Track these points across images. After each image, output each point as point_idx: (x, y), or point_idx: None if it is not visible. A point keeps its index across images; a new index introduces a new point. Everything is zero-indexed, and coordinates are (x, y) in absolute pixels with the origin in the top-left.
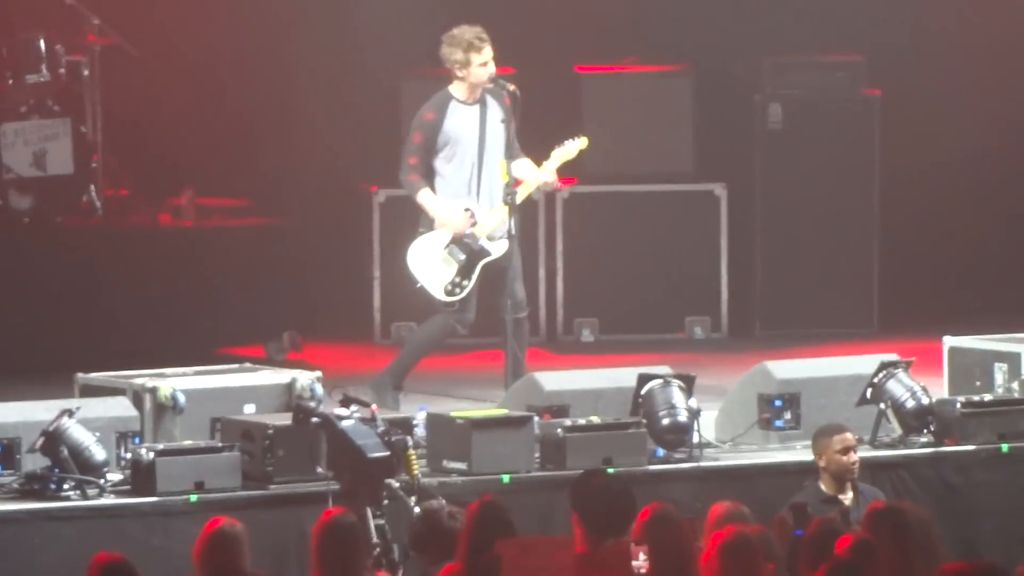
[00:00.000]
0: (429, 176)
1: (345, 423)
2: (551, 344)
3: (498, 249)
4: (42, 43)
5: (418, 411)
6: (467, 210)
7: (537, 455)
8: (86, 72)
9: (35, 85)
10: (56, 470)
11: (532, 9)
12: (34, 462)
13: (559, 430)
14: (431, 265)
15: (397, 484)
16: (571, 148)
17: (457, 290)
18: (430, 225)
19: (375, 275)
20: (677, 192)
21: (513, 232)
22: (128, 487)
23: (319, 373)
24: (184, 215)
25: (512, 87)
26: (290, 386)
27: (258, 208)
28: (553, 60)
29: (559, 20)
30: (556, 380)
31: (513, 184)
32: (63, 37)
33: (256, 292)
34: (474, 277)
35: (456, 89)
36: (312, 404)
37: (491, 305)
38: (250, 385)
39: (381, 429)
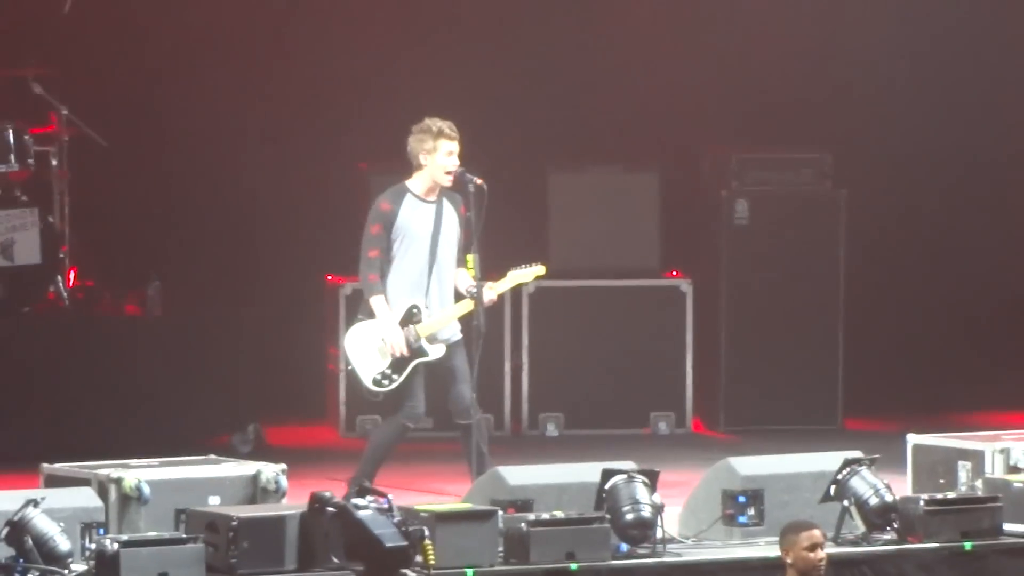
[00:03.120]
0: (387, 266)
1: (363, 513)
2: (516, 439)
3: (435, 352)
4: (10, 133)
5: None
6: (414, 307)
7: (501, 549)
8: (54, 162)
9: (3, 174)
10: (20, 560)
11: (500, 108)
12: None
13: (523, 524)
14: (366, 352)
15: (413, 574)
16: (527, 273)
17: (386, 382)
18: (370, 314)
19: (341, 368)
20: (643, 287)
21: (460, 336)
22: None
23: (284, 466)
24: (151, 306)
25: (479, 181)
26: (255, 478)
27: (225, 299)
28: (519, 157)
29: (526, 119)
30: (520, 475)
31: (478, 282)
32: (31, 127)
33: (221, 384)
34: (405, 373)
35: (414, 183)
36: (328, 494)
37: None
38: (215, 476)
39: (398, 519)
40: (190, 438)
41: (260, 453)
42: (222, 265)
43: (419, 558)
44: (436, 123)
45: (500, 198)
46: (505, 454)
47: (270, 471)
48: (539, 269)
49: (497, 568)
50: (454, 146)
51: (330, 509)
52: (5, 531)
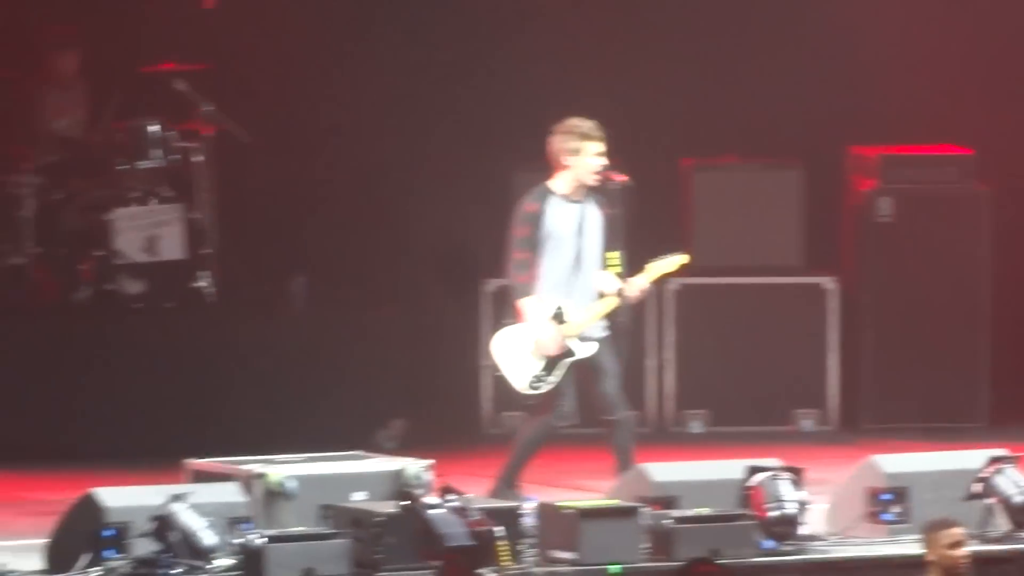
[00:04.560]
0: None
1: (433, 511)
2: (660, 435)
3: (585, 350)
4: (155, 129)
5: (527, 501)
6: (560, 307)
7: (645, 546)
8: (199, 158)
9: (148, 171)
10: (167, 555)
11: (643, 104)
12: (145, 547)
13: (668, 520)
14: (516, 356)
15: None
16: (668, 263)
17: (540, 385)
18: (516, 317)
19: (485, 365)
20: (786, 285)
21: (608, 331)
22: (238, 573)
23: (430, 461)
24: (296, 301)
25: (625, 178)
26: (399, 474)
27: (370, 294)
28: (662, 154)
29: (668, 115)
30: (665, 471)
31: (622, 279)
32: (177, 123)
33: (366, 379)
34: (557, 373)
35: (558, 184)
36: (417, 491)
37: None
38: (360, 472)
39: (472, 519)
40: (335, 434)
41: (405, 449)
42: (366, 260)
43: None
44: (582, 124)
45: (643, 196)
46: (649, 451)
47: (414, 467)
48: (680, 258)
49: (641, 565)
50: (601, 146)
51: (404, 505)
52: (152, 526)
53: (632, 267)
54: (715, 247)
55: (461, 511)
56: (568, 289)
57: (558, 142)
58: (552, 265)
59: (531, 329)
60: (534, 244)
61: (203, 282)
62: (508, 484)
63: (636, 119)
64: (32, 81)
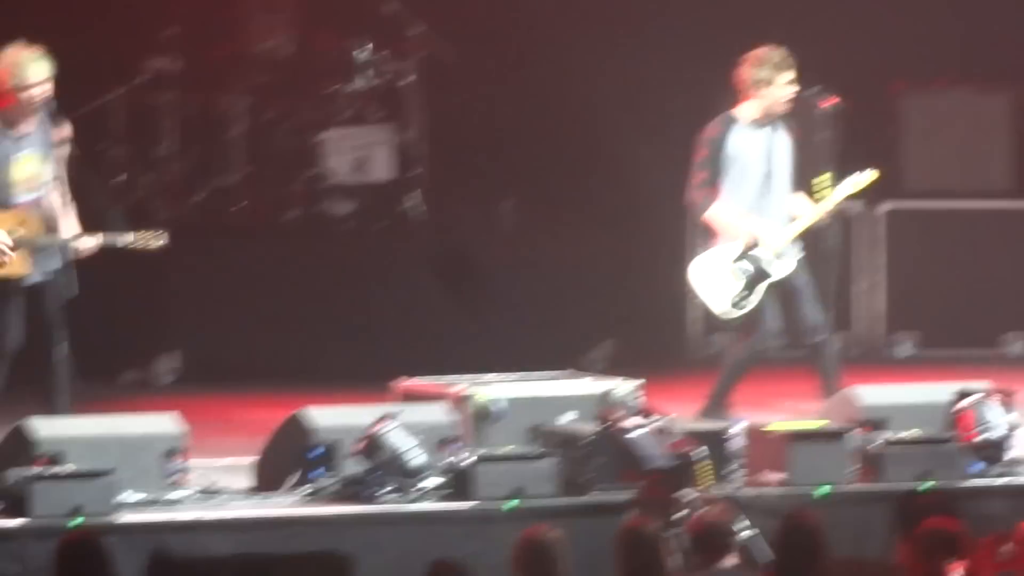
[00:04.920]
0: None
1: (633, 433)
2: (869, 358)
3: (782, 269)
4: (364, 50)
5: (734, 423)
6: (757, 226)
7: (853, 468)
8: (408, 79)
9: (357, 92)
10: (377, 473)
11: (852, 28)
12: (354, 465)
13: (877, 443)
14: (715, 280)
15: (693, 496)
16: (858, 181)
17: (743, 303)
18: (708, 242)
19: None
20: (996, 209)
21: (801, 254)
22: (448, 492)
23: (640, 382)
24: (506, 223)
25: (834, 100)
26: (608, 395)
27: (579, 216)
28: (871, 78)
29: (877, 39)
30: (874, 394)
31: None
32: (387, 44)
33: (576, 301)
34: (758, 293)
35: (743, 110)
36: (616, 412)
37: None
38: (570, 393)
39: (673, 440)
40: (546, 354)
41: (614, 370)
42: (576, 182)
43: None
44: (773, 54)
45: (853, 120)
46: (858, 373)
47: (624, 388)
48: (869, 175)
49: (850, 487)
50: (791, 75)
51: (603, 428)
52: (361, 444)
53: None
54: (925, 171)
55: (661, 432)
56: (757, 213)
57: (747, 72)
58: (739, 189)
59: (728, 229)
60: (715, 166)
61: (412, 203)
62: (717, 406)
63: (847, 43)
64: (239, 1)
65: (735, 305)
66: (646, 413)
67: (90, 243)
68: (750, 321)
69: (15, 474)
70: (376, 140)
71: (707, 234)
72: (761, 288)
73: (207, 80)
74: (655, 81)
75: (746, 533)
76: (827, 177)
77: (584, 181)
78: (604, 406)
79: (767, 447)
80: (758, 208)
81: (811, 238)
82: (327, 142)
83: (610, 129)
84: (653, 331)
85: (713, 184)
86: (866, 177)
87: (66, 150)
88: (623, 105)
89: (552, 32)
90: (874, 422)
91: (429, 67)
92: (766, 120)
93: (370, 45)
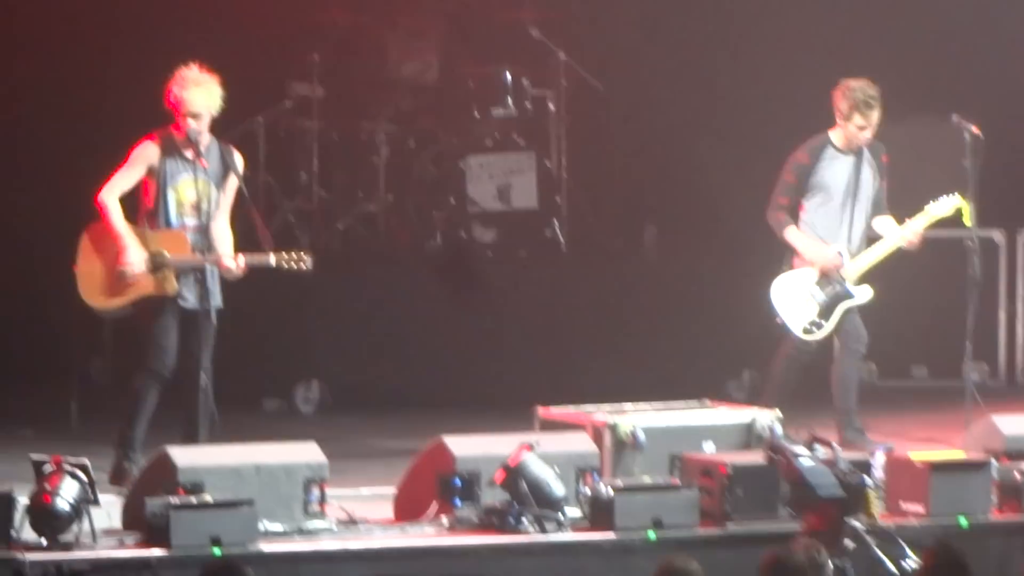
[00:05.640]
0: (796, 217)
1: (803, 461)
2: (1012, 388)
3: (862, 295)
4: (508, 77)
5: (876, 452)
6: (837, 252)
7: (994, 498)
8: (552, 106)
9: (500, 119)
10: (515, 504)
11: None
12: (494, 495)
13: (1018, 474)
14: (793, 301)
15: (862, 526)
16: (945, 206)
17: (815, 329)
18: (791, 264)
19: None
20: None
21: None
22: (587, 523)
23: (778, 413)
24: (647, 251)
25: (975, 130)
26: (750, 426)
27: (719, 245)
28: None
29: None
30: (1016, 424)
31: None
32: (529, 71)
33: (715, 330)
34: (833, 319)
35: (836, 135)
36: (783, 443)
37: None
38: (710, 423)
39: (842, 470)
40: (685, 383)
41: (755, 400)
42: (717, 211)
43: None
44: (857, 90)
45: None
46: (1000, 403)
47: (765, 418)
48: (955, 200)
49: (992, 519)
50: (870, 120)
51: (774, 456)
52: (500, 475)
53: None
54: None
55: (830, 462)
56: (839, 239)
57: (838, 99)
58: (823, 215)
59: (807, 253)
60: (799, 190)
61: (555, 231)
62: (855, 430)
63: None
64: (382, 26)
65: (806, 332)
66: (812, 442)
67: (238, 265)
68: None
69: (155, 503)
70: (519, 167)
71: (789, 255)
72: (837, 313)
73: (350, 106)
74: (802, 108)
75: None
76: (966, 207)
77: (725, 209)
78: (767, 437)
79: (908, 477)
80: (838, 233)
81: (953, 266)
82: (469, 169)
83: (753, 156)
84: None
85: (795, 207)
86: (950, 204)
87: (235, 181)
88: (767, 132)
89: (695, 58)
90: (1016, 452)
91: (571, 94)
92: (852, 144)
93: (510, 72)
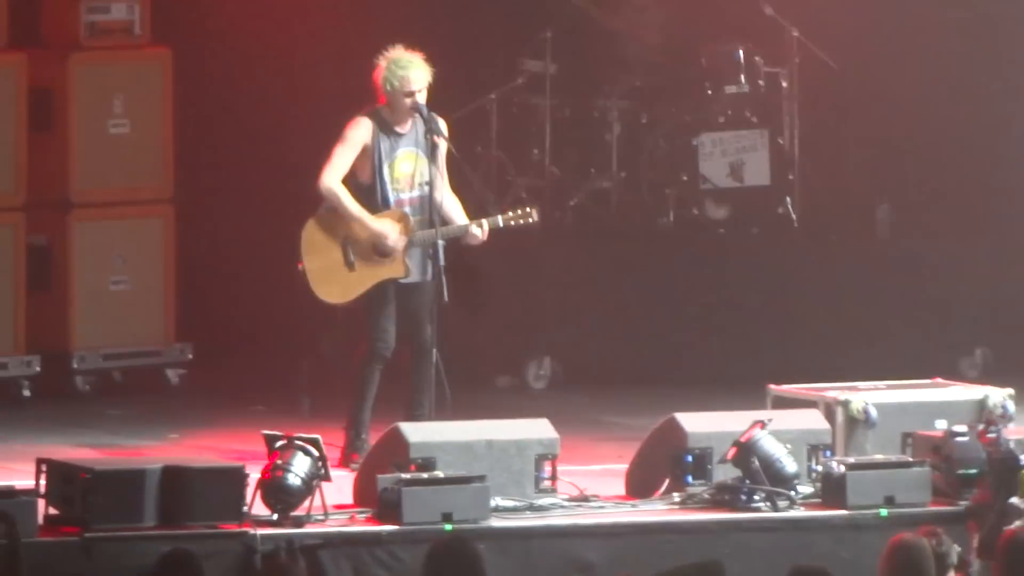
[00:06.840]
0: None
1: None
2: None
3: None
4: (740, 54)
5: None
6: None
7: None
8: (784, 84)
9: (733, 96)
10: (747, 481)
11: None
12: (725, 472)
13: None
14: None
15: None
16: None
17: None
18: None
19: None
20: None
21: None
22: (818, 500)
23: (1010, 390)
24: (880, 229)
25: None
26: (982, 402)
27: (958, 223)
28: None
29: None
30: None
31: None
32: (762, 48)
33: (950, 306)
34: None
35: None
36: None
37: None
38: (942, 400)
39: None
40: (919, 360)
41: (988, 378)
42: (951, 186)
43: None
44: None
45: None
46: None
47: (997, 395)
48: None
49: None
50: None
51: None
52: (732, 452)
53: None
54: None
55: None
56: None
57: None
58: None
59: None
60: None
61: (787, 208)
62: None
63: None
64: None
65: None
66: None
67: (483, 231)
68: None
69: (387, 479)
70: (751, 145)
71: None
72: None
73: (582, 83)
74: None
75: None
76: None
77: (960, 184)
78: (986, 414)
79: None
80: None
81: None
82: (703, 146)
83: (987, 130)
84: None
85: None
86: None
87: (444, 147)
88: (999, 106)
89: (931, 36)
90: None
91: (804, 71)
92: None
93: (743, 49)
